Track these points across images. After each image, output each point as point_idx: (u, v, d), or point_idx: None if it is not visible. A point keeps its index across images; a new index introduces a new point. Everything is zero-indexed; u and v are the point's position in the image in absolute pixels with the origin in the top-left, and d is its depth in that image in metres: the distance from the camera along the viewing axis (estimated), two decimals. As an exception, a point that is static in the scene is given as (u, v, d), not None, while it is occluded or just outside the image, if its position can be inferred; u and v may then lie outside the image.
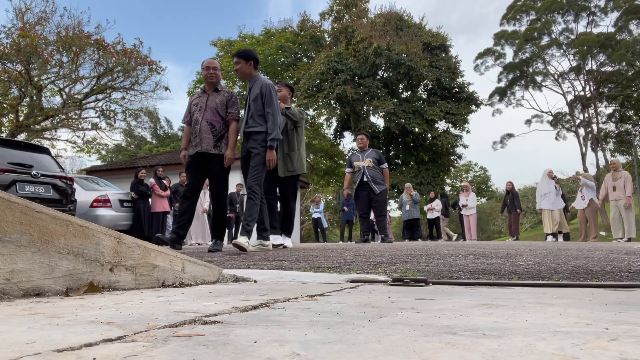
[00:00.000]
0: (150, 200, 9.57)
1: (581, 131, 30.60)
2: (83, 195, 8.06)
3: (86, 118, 17.77)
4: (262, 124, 4.16)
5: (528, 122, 34.28)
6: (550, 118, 33.25)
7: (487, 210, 43.51)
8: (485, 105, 28.80)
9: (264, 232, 4.31)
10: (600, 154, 30.03)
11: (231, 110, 4.37)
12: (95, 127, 17.52)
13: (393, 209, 24.62)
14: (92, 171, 16.98)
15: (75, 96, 16.83)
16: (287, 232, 4.86)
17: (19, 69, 14.81)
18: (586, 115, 30.91)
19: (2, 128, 16.64)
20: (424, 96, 24.91)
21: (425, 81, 23.96)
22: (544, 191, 10.27)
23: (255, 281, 1.86)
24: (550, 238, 10.11)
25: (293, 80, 26.44)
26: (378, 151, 7.46)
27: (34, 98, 15.92)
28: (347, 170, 7.57)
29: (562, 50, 30.82)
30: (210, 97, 4.37)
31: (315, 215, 14.78)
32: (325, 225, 15.14)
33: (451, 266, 2.56)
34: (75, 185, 7.05)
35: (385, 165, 7.36)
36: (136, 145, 35.71)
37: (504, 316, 0.98)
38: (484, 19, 76.13)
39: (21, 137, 15.78)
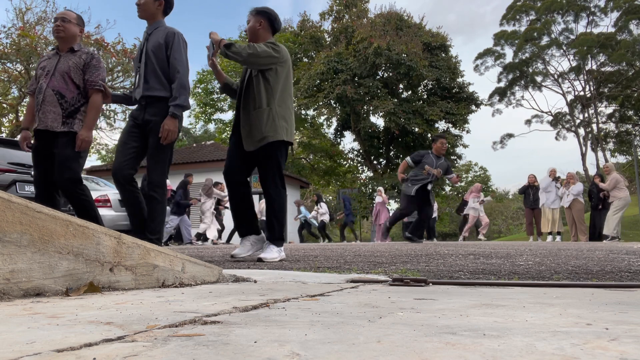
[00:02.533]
0: None
1: (581, 131, 30.60)
2: (83, 195, 8.05)
3: (86, 118, 17.74)
4: (168, 88, 3.26)
5: (528, 122, 34.26)
6: (550, 118, 33.24)
7: (487, 210, 43.39)
8: (485, 105, 28.83)
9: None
10: (600, 154, 30.03)
11: (90, 77, 3.34)
12: (95, 127, 17.52)
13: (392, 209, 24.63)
14: (92, 171, 16.97)
15: (75, 96, 16.80)
16: (271, 234, 3.24)
17: (19, 69, 14.82)
18: (586, 115, 30.90)
19: (2, 128, 16.63)
20: (424, 96, 24.91)
21: (425, 81, 23.96)
22: (543, 190, 10.36)
23: (255, 281, 1.86)
24: (549, 237, 10.18)
25: (293, 80, 26.37)
26: (448, 162, 7.44)
27: (34, 98, 15.90)
28: (409, 159, 7.45)
29: (562, 50, 30.81)
30: (62, 58, 3.36)
31: (304, 219, 14.75)
32: (316, 224, 14.88)
33: (451, 266, 2.56)
34: (75, 185, 7.05)
35: (453, 175, 7.32)
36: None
37: (504, 316, 0.98)
38: (481, 19, 76.21)
39: (21, 137, 15.76)
